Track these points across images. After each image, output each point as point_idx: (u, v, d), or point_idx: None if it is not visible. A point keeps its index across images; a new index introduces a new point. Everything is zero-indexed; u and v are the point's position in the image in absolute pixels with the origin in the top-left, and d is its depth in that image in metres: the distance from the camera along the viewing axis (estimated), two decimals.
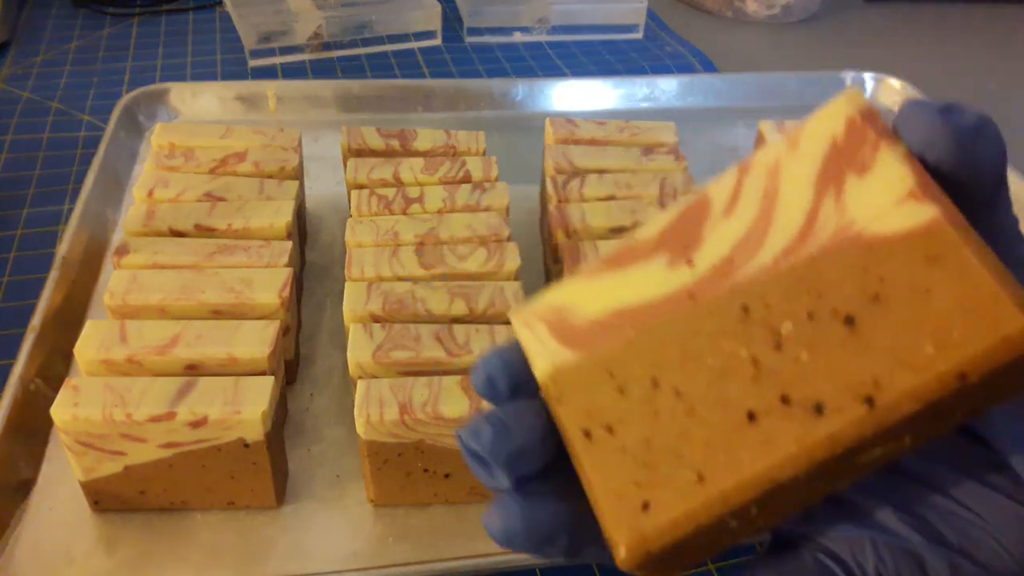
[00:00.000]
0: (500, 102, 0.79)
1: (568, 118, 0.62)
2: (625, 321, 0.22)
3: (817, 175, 0.20)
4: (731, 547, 0.20)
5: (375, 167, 0.57)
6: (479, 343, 0.44)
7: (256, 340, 0.43)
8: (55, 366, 0.50)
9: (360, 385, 0.41)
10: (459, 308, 0.46)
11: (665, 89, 0.81)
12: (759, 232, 0.21)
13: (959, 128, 0.19)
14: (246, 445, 0.41)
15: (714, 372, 0.20)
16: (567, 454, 0.22)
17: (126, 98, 0.72)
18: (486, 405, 0.40)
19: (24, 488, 0.45)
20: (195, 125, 0.61)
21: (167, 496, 0.43)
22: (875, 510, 0.22)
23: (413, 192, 0.54)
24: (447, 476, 0.43)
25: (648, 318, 0.21)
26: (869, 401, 0.18)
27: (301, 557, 0.42)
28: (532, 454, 0.22)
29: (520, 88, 0.79)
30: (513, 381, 0.23)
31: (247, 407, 0.40)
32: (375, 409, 0.40)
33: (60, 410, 0.39)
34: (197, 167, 0.56)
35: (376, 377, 0.43)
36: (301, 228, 0.59)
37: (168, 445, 0.40)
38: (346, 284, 0.47)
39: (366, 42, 0.91)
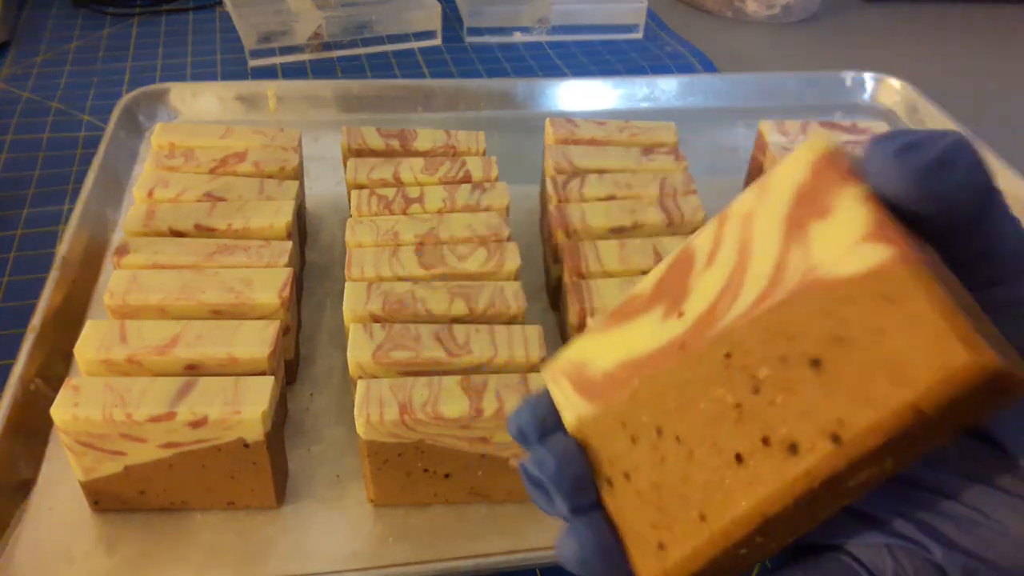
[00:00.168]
0: (500, 102, 0.79)
1: (568, 118, 0.62)
2: (631, 372, 0.23)
3: (785, 221, 0.21)
4: (749, 569, 0.22)
5: (375, 167, 0.57)
6: (479, 343, 0.44)
7: (256, 340, 0.43)
8: (55, 366, 0.50)
9: (360, 385, 0.41)
10: (459, 308, 0.46)
11: (665, 89, 0.81)
12: (737, 281, 0.22)
13: (916, 168, 0.19)
14: (246, 445, 0.41)
15: (706, 417, 0.21)
16: None
17: (126, 98, 0.72)
18: (486, 405, 0.40)
19: (24, 488, 0.45)
20: (195, 125, 0.61)
21: (167, 496, 0.43)
22: (891, 519, 0.23)
23: (413, 192, 0.54)
24: (447, 476, 0.43)
25: (648, 369, 0.23)
26: (835, 439, 0.19)
27: (301, 557, 0.42)
28: (591, 485, 0.23)
29: (520, 88, 0.79)
30: (541, 431, 0.25)
31: (247, 407, 0.40)
32: (375, 409, 0.40)
33: (60, 410, 0.39)
34: (197, 167, 0.56)
35: (376, 377, 0.43)
36: (301, 228, 0.59)
37: (168, 445, 0.40)
38: (346, 284, 0.47)
39: (366, 42, 0.91)
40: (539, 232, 0.64)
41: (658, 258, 0.50)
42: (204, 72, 0.85)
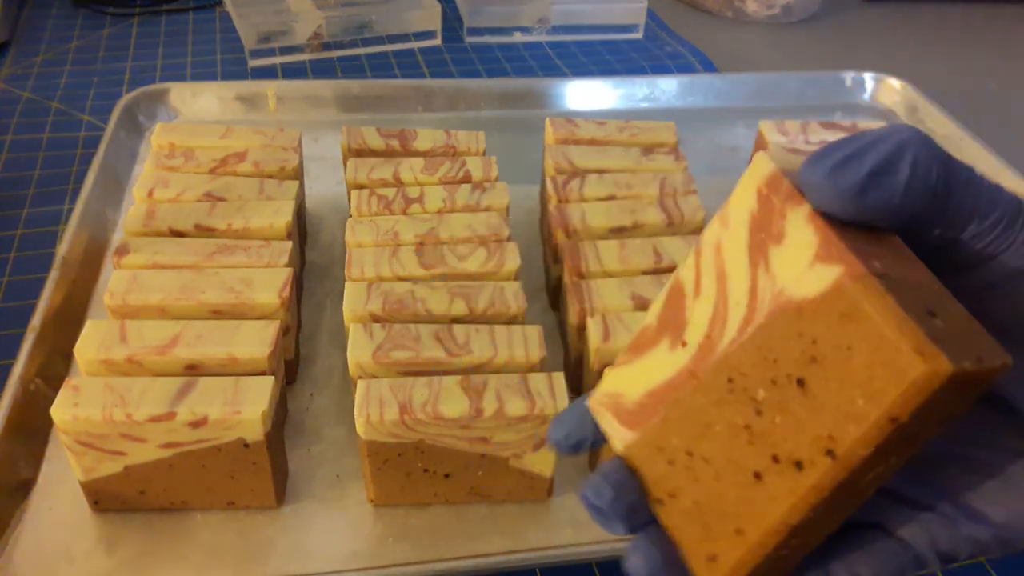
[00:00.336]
0: (500, 102, 0.79)
1: (568, 118, 0.62)
2: (656, 401, 0.24)
3: (747, 249, 0.22)
4: (797, 562, 0.24)
5: (375, 167, 0.57)
6: (479, 343, 0.44)
7: (256, 340, 0.43)
8: (55, 366, 0.50)
9: (360, 385, 0.41)
10: (459, 308, 0.46)
11: (665, 89, 0.81)
12: (722, 309, 0.23)
13: (849, 187, 0.20)
14: (246, 445, 0.41)
15: (723, 439, 0.23)
16: None
17: (126, 98, 0.72)
18: (486, 405, 0.40)
19: (24, 488, 0.45)
20: (195, 125, 0.61)
21: (167, 496, 0.43)
22: (923, 496, 0.24)
23: (413, 192, 0.54)
24: (447, 476, 0.43)
25: (669, 396, 0.24)
26: (831, 453, 0.20)
27: (301, 557, 0.42)
28: (644, 507, 0.25)
29: (520, 88, 0.79)
30: (572, 441, 0.28)
31: (247, 407, 0.40)
32: (375, 409, 0.40)
33: (60, 410, 0.39)
34: (197, 167, 0.56)
35: (376, 377, 0.43)
36: (301, 228, 0.59)
37: (168, 445, 0.40)
38: (346, 284, 0.47)
39: (366, 42, 0.91)
40: (539, 232, 0.64)
41: (658, 258, 0.50)
42: (204, 72, 0.85)
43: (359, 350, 0.43)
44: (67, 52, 0.88)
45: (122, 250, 0.49)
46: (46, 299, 0.52)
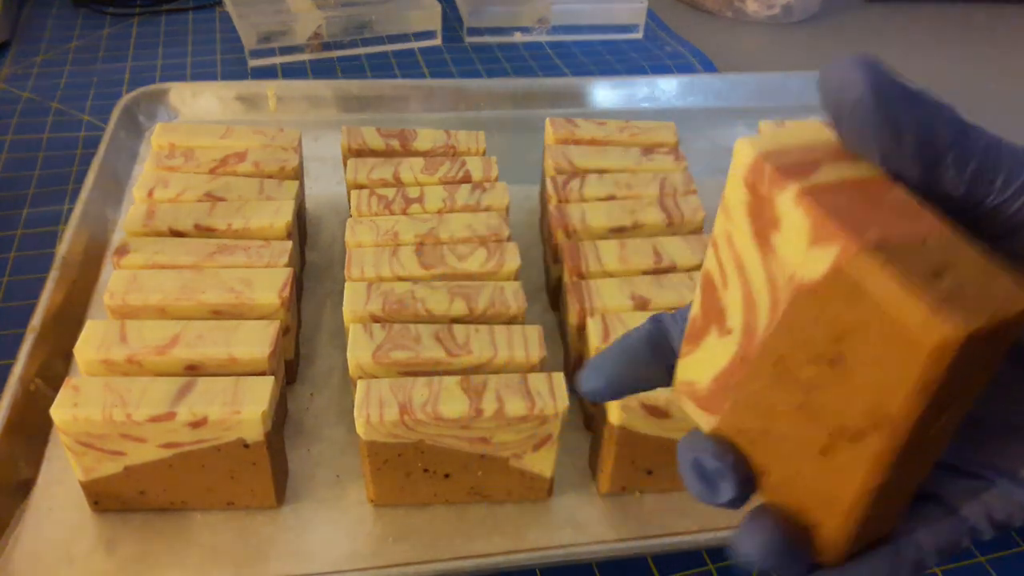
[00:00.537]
0: (500, 102, 0.79)
1: (568, 118, 0.62)
2: (721, 387, 0.24)
3: (754, 237, 0.22)
4: (902, 511, 0.24)
5: (375, 167, 0.57)
6: (479, 343, 0.44)
7: (256, 340, 0.43)
8: (55, 366, 0.50)
9: (360, 385, 0.41)
10: (459, 308, 0.46)
11: (665, 89, 0.81)
12: (749, 296, 0.22)
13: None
14: (246, 445, 0.41)
15: (787, 418, 0.22)
16: None
17: (126, 98, 0.72)
18: (486, 405, 0.40)
19: (24, 488, 0.45)
20: (195, 125, 0.61)
21: (167, 496, 0.43)
22: (978, 469, 0.24)
23: (413, 192, 0.54)
24: (447, 476, 0.43)
25: (731, 382, 0.24)
26: (881, 423, 0.20)
27: (301, 557, 0.42)
28: (751, 479, 0.25)
29: (520, 88, 0.79)
30: (614, 390, 0.27)
31: (247, 407, 0.40)
32: (375, 409, 0.40)
33: (60, 410, 0.39)
34: (197, 167, 0.56)
35: (376, 377, 0.43)
36: (301, 228, 0.59)
37: (168, 445, 0.40)
38: (346, 284, 0.47)
39: (366, 42, 0.91)
40: (539, 232, 0.64)
41: (658, 258, 0.50)
42: (204, 72, 0.85)
43: (359, 350, 0.43)
44: (67, 52, 0.88)
45: (122, 250, 0.49)
46: (46, 299, 0.52)
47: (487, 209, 0.54)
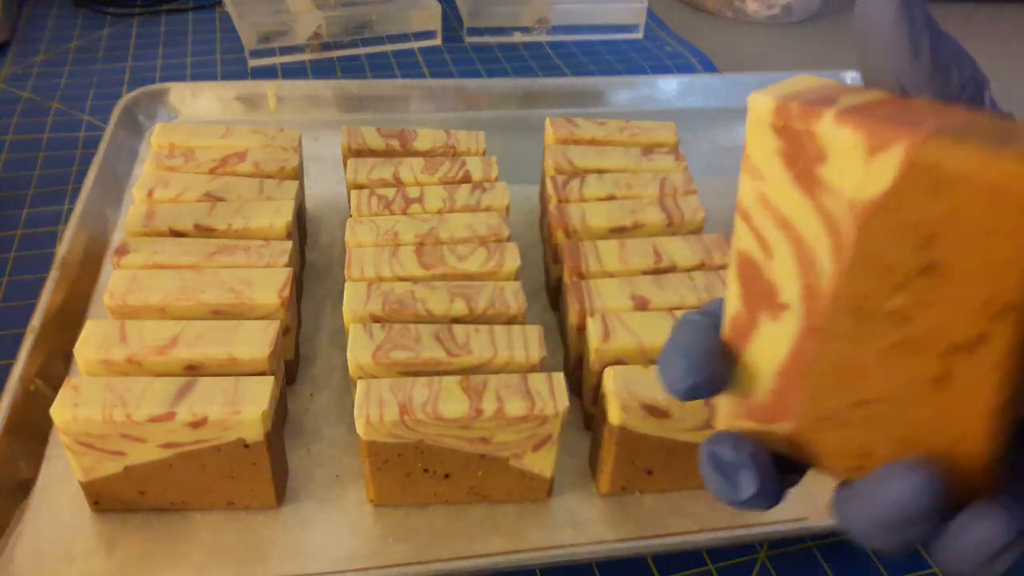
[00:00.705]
0: (500, 102, 0.79)
1: (568, 118, 0.62)
2: (789, 377, 0.23)
3: (794, 185, 0.21)
4: None
5: (375, 167, 0.57)
6: (479, 343, 0.44)
7: (256, 340, 0.43)
8: (55, 366, 0.50)
9: (360, 385, 0.41)
10: (459, 308, 0.46)
11: (665, 89, 0.81)
12: (804, 252, 0.21)
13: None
14: (246, 445, 0.41)
15: (883, 369, 0.21)
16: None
17: (126, 98, 0.72)
18: (486, 405, 0.40)
19: (24, 488, 0.45)
20: (195, 125, 0.61)
21: (167, 496, 0.43)
22: None
23: (413, 192, 0.54)
24: (447, 476, 0.43)
25: (801, 365, 0.23)
26: (1004, 310, 0.19)
27: (301, 557, 0.42)
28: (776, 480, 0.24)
29: (520, 88, 0.79)
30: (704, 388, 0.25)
31: (247, 407, 0.40)
32: (375, 409, 0.40)
33: (60, 410, 0.39)
34: (197, 167, 0.56)
35: (376, 377, 0.43)
36: (301, 228, 0.59)
37: (168, 445, 0.40)
38: (346, 284, 0.47)
39: (366, 42, 0.91)
40: (539, 232, 0.64)
41: (658, 258, 0.50)
42: (204, 72, 0.85)
43: (359, 350, 0.43)
44: (67, 52, 0.88)
45: (122, 250, 0.49)
46: (46, 299, 0.52)
47: (487, 209, 0.54)
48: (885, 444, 0.22)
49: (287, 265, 0.49)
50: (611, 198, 0.55)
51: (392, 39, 0.91)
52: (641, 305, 0.47)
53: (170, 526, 0.43)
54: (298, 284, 0.55)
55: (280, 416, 0.46)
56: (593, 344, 0.45)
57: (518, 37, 0.95)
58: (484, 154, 0.59)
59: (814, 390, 0.23)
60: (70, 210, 0.61)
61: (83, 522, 0.43)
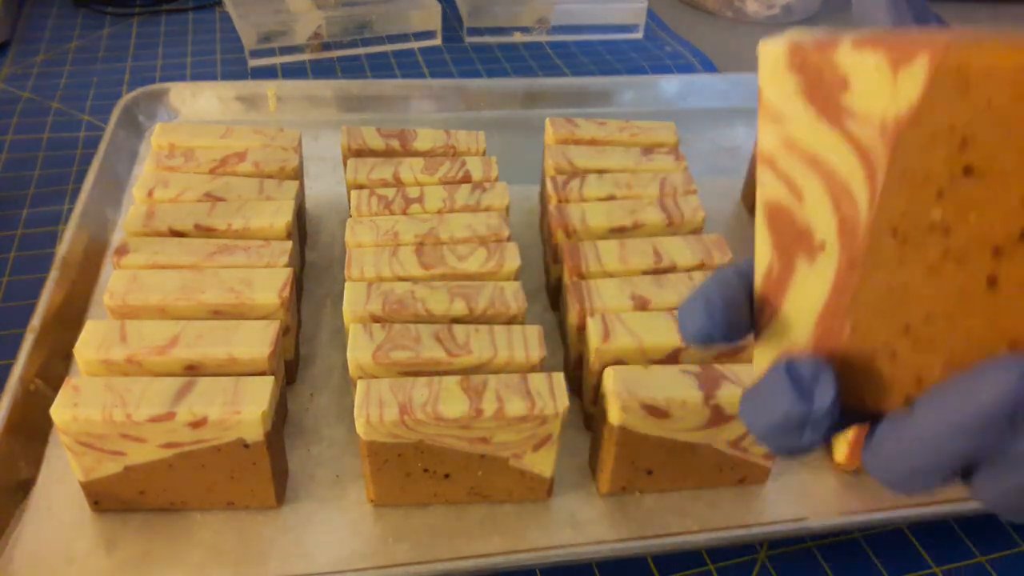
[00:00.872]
0: (500, 102, 0.79)
1: (568, 118, 0.62)
2: (831, 318, 0.23)
3: (820, 119, 0.21)
4: None
5: (375, 167, 0.57)
6: (479, 343, 0.44)
7: (256, 340, 0.43)
8: (55, 366, 0.50)
9: (360, 385, 0.41)
10: (459, 308, 0.46)
11: (665, 89, 0.81)
12: (838, 186, 0.21)
13: None
14: (246, 445, 0.41)
15: (933, 283, 0.21)
16: None
17: (126, 98, 0.72)
18: (486, 405, 0.40)
19: (24, 488, 0.45)
20: (195, 125, 0.61)
21: (167, 496, 0.43)
22: None
23: (413, 192, 0.54)
24: (447, 476, 0.43)
25: (843, 302, 0.22)
26: None
27: (301, 557, 0.42)
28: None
29: (520, 88, 0.79)
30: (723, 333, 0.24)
31: (247, 407, 0.40)
32: (375, 409, 0.40)
33: (60, 410, 0.39)
34: (197, 167, 0.56)
35: (376, 377, 0.43)
36: (301, 228, 0.59)
37: (168, 445, 0.40)
38: (346, 284, 0.47)
39: (366, 42, 0.91)
40: (539, 232, 0.64)
41: (658, 258, 0.50)
42: (204, 72, 0.85)
43: (359, 350, 0.43)
44: (67, 52, 0.88)
45: (122, 250, 0.49)
46: (46, 299, 0.52)
47: (487, 209, 0.54)
48: (934, 368, 0.22)
49: (287, 265, 0.49)
50: (611, 198, 0.55)
51: (392, 39, 0.91)
52: (641, 305, 0.47)
53: (170, 526, 0.43)
54: (298, 284, 0.55)
55: (280, 416, 0.46)
56: (593, 344, 0.45)
57: (518, 37, 0.95)
58: (484, 154, 0.59)
59: (858, 326, 0.22)
60: (70, 210, 0.61)
61: (83, 522, 0.43)
